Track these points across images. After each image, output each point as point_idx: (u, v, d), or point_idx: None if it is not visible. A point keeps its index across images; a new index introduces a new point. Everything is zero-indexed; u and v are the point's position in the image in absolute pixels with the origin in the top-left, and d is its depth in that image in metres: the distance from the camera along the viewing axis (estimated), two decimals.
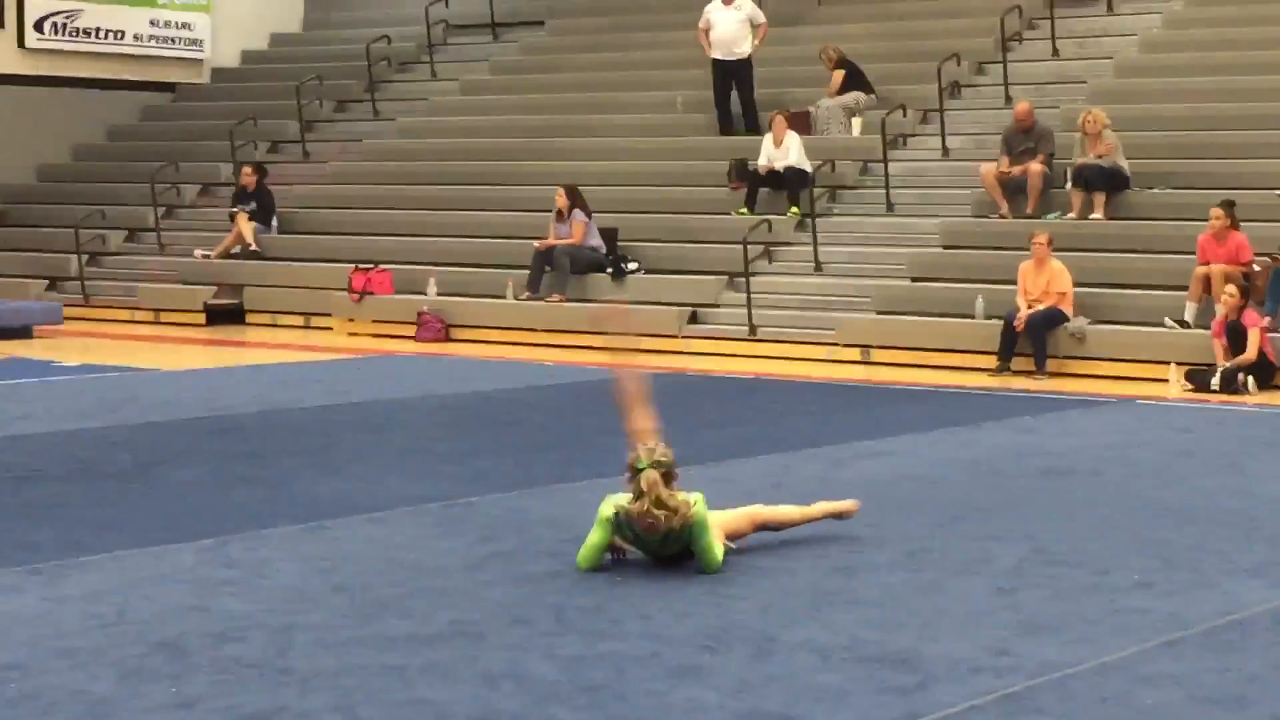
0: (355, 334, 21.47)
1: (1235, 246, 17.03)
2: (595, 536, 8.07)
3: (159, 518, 9.34)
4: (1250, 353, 15.96)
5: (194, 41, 28.82)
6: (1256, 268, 16.96)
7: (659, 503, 7.86)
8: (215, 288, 23.25)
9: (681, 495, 7.97)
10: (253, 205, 23.82)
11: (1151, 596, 7.60)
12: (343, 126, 26.96)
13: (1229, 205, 17.24)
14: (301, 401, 14.73)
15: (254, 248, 23.49)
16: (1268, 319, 16.36)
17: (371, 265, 21.98)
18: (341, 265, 22.29)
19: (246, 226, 23.55)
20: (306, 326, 22.29)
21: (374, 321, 21.57)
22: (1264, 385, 15.89)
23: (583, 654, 6.57)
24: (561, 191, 20.94)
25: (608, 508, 8.08)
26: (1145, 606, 7.40)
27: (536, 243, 20.97)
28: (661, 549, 8.05)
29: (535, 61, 27.01)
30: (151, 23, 28.18)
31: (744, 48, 22.60)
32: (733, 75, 22.75)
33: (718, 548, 8.04)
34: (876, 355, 18.24)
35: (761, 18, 22.93)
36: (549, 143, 24.06)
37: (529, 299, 20.77)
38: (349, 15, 30.46)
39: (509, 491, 10.19)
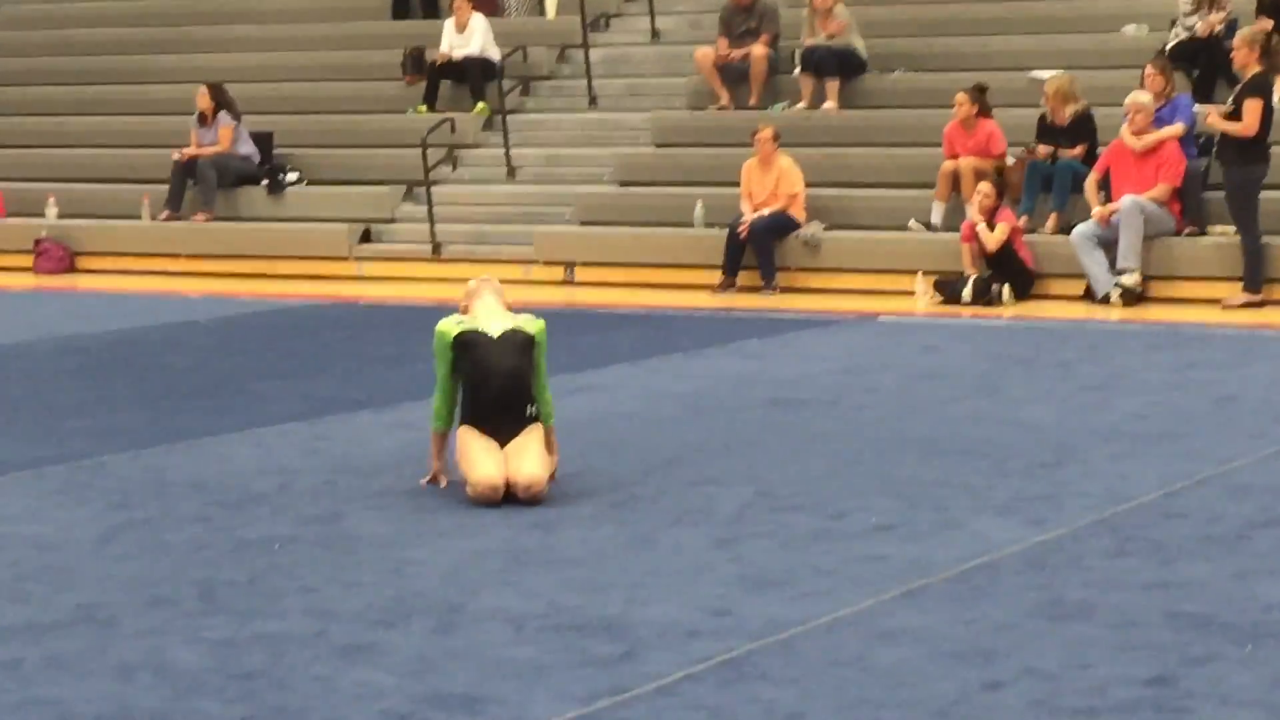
0: None
1: (985, 137, 17.42)
2: (440, 369, 8.92)
3: None
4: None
5: None
6: (1010, 160, 17.38)
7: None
8: None
9: None
10: None
11: (891, 541, 7.82)
12: None
13: (978, 90, 17.61)
14: None
15: None
16: (1024, 219, 16.77)
17: None
18: None
19: None
20: None
21: None
22: (1021, 295, 16.34)
23: (234, 636, 6.57)
24: (204, 90, 20.66)
25: (448, 326, 8.91)
26: (884, 553, 7.62)
27: (176, 153, 20.69)
28: (501, 357, 8.80)
29: None
30: None
31: None
32: None
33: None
34: (580, 274, 18.37)
35: None
36: (188, 32, 23.74)
37: (169, 219, 20.50)
38: None
39: (146, 449, 10.10)
